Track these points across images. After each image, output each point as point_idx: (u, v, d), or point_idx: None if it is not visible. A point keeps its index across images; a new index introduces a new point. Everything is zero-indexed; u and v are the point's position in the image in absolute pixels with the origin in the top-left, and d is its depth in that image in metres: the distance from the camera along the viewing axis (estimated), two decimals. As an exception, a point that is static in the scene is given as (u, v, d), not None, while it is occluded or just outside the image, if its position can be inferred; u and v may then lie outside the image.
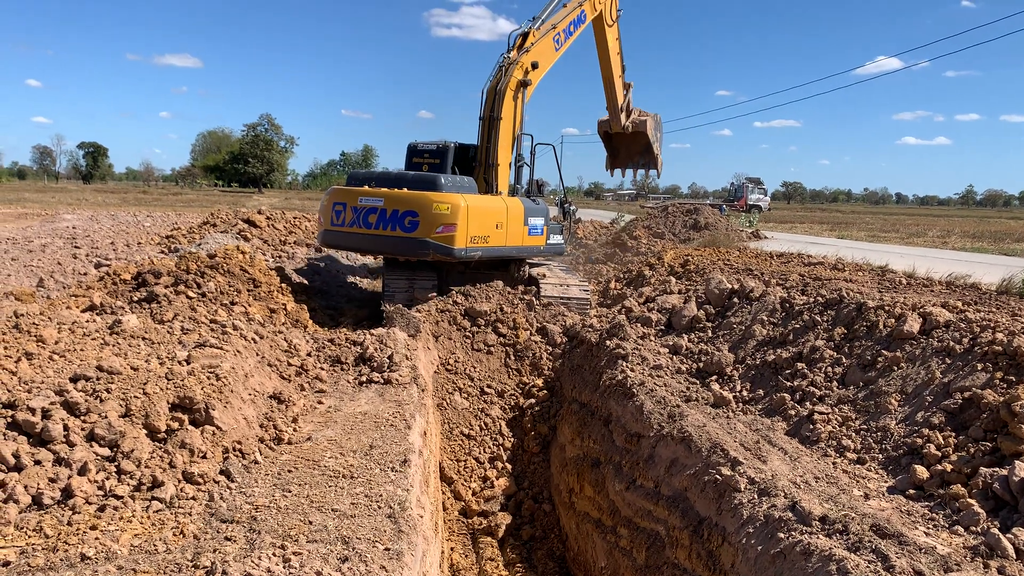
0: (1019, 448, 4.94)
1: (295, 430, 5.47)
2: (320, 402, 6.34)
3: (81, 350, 5.64)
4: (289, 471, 4.63)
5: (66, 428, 4.21)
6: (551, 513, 8.67)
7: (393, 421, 5.85)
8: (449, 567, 7.09)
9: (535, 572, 8.04)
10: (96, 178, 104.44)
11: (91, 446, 4.19)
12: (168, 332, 6.66)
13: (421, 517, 4.48)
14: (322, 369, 7.22)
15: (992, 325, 6.58)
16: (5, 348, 5.37)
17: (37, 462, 3.97)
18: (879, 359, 6.87)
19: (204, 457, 4.49)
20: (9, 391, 4.52)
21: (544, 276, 12.83)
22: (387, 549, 3.67)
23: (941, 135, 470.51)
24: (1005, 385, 5.66)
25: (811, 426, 6.45)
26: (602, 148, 18.60)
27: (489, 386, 9.60)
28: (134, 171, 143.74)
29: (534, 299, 11.11)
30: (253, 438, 5.05)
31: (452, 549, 7.69)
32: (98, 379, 4.82)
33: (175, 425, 4.58)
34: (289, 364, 6.99)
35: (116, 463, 4.15)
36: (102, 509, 3.79)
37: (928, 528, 4.55)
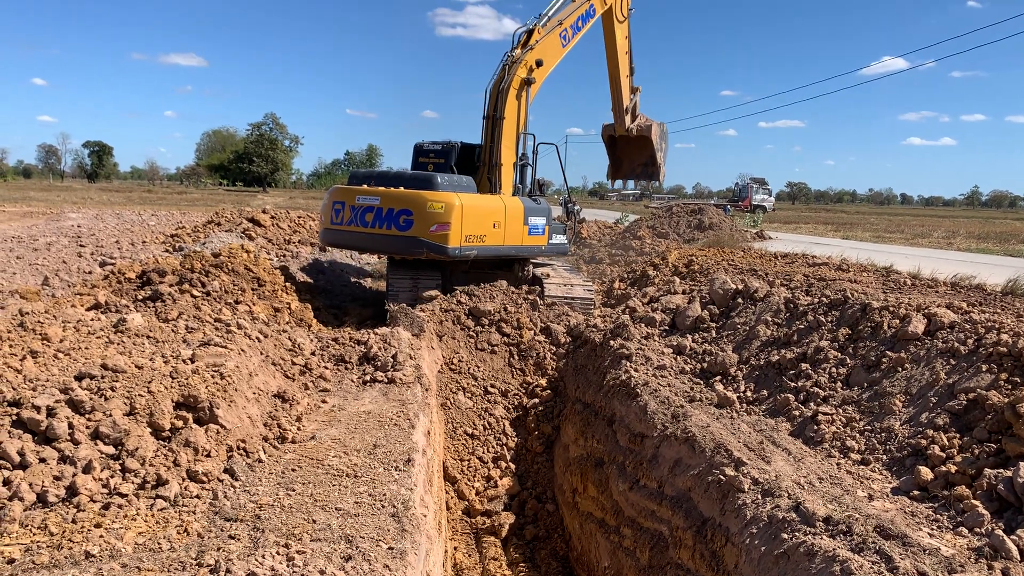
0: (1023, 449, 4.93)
1: (299, 429, 5.48)
2: (324, 401, 6.35)
3: (86, 348, 5.66)
4: (293, 470, 4.64)
5: (71, 426, 4.23)
6: (554, 513, 8.67)
7: (397, 420, 5.86)
8: (452, 566, 7.10)
9: (538, 572, 8.04)
10: (101, 177, 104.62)
11: (96, 444, 4.20)
12: (172, 331, 6.67)
13: (425, 516, 4.49)
14: (326, 368, 7.23)
15: (997, 326, 6.56)
16: (10, 346, 5.40)
17: (42, 460, 3.99)
18: (883, 360, 6.85)
19: (208, 455, 4.50)
20: (14, 389, 4.54)
21: (548, 276, 12.80)
22: (391, 548, 3.68)
23: (946, 136, 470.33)
24: (1010, 386, 5.64)
25: (815, 427, 6.44)
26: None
27: (493, 386, 9.61)
28: (139, 170, 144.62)
29: (538, 299, 11.11)
30: (257, 437, 5.06)
31: (456, 548, 7.70)
32: (103, 377, 4.83)
33: (179, 423, 4.59)
34: (293, 363, 7.00)
35: (120, 461, 4.17)
36: (106, 507, 3.80)
37: (932, 529, 4.54)
